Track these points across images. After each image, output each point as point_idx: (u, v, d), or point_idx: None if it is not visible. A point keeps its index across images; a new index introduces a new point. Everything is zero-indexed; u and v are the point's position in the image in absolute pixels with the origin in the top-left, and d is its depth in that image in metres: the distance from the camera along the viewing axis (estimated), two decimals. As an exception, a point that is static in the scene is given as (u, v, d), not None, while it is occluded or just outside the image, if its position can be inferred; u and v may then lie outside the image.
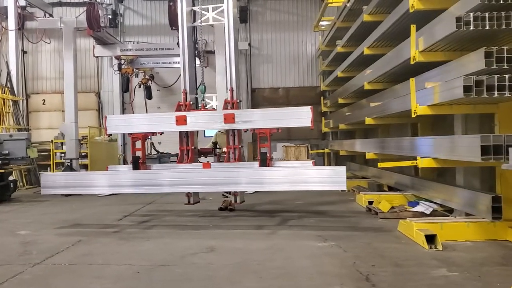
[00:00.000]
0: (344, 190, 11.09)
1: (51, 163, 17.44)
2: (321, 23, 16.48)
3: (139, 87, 17.28)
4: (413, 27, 6.80)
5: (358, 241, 6.67)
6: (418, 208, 8.60)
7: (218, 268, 5.53)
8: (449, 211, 8.00)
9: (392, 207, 8.84)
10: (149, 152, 15.59)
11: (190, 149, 9.07)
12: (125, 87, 15.86)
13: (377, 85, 10.09)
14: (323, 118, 17.59)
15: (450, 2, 6.47)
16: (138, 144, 8.80)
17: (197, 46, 10.40)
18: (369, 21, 10.08)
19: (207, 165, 8.50)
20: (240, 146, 9.03)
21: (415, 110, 6.82)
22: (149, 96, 17.22)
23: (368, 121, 10.15)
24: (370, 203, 9.44)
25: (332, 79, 15.22)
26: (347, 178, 12.82)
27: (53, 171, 17.43)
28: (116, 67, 17.70)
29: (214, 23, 10.03)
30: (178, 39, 15.31)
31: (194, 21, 9.89)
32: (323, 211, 9.68)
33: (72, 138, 14.76)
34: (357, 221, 8.40)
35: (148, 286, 4.99)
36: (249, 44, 19.33)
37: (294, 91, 19.43)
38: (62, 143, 18.25)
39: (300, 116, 8.20)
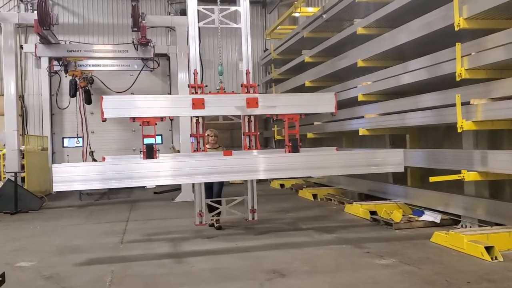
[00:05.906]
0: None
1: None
2: (275, 30, 16.50)
3: (77, 90, 15.80)
4: (458, 45, 7.05)
5: (414, 256, 6.69)
6: (426, 218, 8.92)
7: (320, 295, 5.21)
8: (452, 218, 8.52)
9: (400, 217, 9.07)
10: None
11: (204, 136, 8.50)
12: (73, 91, 14.39)
13: (371, 97, 10.34)
14: (274, 125, 17.47)
15: (498, 23, 6.88)
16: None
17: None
18: (363, 34, 10.32)
19: (228, 153, 7.97)
20: (258, 133, 8.71)
21: (461, 125, 7.06)
22: (88, 100, 15.78)
23: (362, 131, 10.38)
24: (372, 213, 9.58)
25: (291, 87, 15.27)
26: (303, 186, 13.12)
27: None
28: (48, 69, 16.15)
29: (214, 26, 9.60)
30: (134, 40, 14.52)
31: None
32: (327, 224, 9.49)
33: (14, 149, 13.01)
34: (377, 233, 8.34)
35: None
36: (191, 49, 18.66)
37: (236, 98, 19.13)
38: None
39: (324, 103, 8.07)
